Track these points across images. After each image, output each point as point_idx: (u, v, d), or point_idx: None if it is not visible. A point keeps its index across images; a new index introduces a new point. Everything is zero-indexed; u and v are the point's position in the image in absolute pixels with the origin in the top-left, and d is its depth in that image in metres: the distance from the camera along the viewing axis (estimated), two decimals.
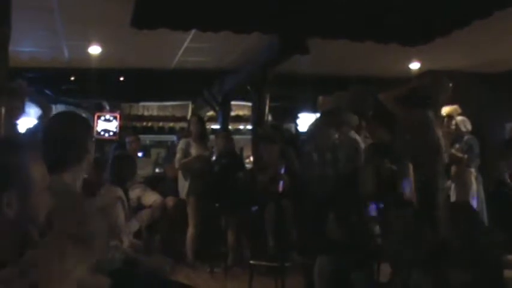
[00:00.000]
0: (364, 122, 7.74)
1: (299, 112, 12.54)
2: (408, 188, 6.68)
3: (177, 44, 8.34)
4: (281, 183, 6.44)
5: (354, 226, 5.02)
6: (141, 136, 9.88)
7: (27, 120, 6.37)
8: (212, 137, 8.64)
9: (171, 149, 9.84)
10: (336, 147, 5.94)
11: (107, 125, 11.72)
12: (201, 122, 7.93)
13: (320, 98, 8.93)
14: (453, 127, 7.76)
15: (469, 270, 3.63)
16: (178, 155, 7.46)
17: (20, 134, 4.91)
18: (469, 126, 7.89)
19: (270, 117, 10.33)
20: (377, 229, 5.72)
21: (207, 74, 10.46)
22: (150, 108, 13.98)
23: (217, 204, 7.54)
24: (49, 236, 1.65)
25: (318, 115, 7.95)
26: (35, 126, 5.31)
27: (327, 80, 10.16)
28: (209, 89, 11.20)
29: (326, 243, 5.05)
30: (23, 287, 1.44)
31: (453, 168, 7.67)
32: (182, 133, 10.09)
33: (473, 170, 7.62)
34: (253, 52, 8.33)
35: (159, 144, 14.14)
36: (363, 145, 6.32)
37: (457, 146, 7.74)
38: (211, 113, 12.05)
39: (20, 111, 5.00)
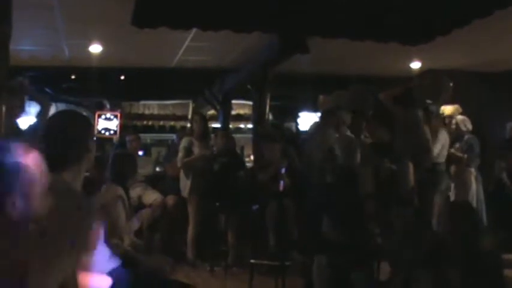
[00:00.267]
0: (364, 121, 7.76)
1: (299, 111, 12.55)
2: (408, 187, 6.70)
3: (177, 43, 8.34)
4: (282, 182, 6.44)
5: (353, 225, 5.01)
6: (142, 135, 9.89)
7: (27, 119, 6.37)
8: (212, 135, 8.64)
9: (171, 147, 9.84)
10: (335, 146, 5.95)
11: (107, 123, 11.74)
12: (204, 120, 7.94)
13: (320, 97, 8.95)
14: (453, 126, 7.76)
15: (468, 269, 3.63)
16: (180, 154, 7.46)
17: (20, 132, 4.92)
18: (469, 126, 7.89)
19: (270, 116, 10.35)
20: (377, 228, 5.73)
21: (208, 73, 10.46)
22: (151, 107, 14.01)
23: (217, 203, 7.55)
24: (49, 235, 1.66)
25: (318, 114, 7.97)
26: (34, 124, 5.32)
27: (327, 80, 10.17)
28: (210, 88, 11.20)
29: (323, 243, 5.06)
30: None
31: (453, 168, 7.67)
32: (183, 132, 10.11)
33: (473, 169, 7.62)
34: (253, 51, 8.33)
35: (159, 143, 14.15)
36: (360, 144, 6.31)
37: (457, 145, 7.74)
38: (212, 111, 12.06)
39: (20, 110, 5.01)
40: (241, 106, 13.23)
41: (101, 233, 3.30)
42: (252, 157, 9.97)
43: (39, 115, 5.38)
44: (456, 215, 3.93)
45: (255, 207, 7.22)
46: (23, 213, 1.58)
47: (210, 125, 8.92)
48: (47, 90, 10.66)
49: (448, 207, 4.26)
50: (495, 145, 8.91)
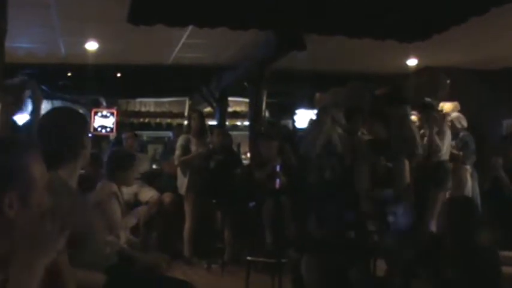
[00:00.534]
0: (361, 118, 7.76)
1: (296, 108, 12.54)
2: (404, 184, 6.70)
3: (174, 40, 8.33)
4: (278, 179, 6.44)
5: (350, 223, 5.02)
6: (138, 132, 9.88)
7: (23, 116, 6.35)
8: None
9: (168, 145, 9.83)
10: (331, 143, 5.96)
11: (103, 121, 11.73)
12: (202, 118, 7.94)
13: (317, 95, 8.95)
14: (448, 124, 7.76)
15: (466, 266, 3.63)
16: (178, 152, 7.45)
17: (16, 130, 4.90)
18: (464, 123, 7.90)
19: (267, 114, 10.34)
20: (373, 226, 5.73)
21: (204, 70, 10.45)
22: (147, 104, 14.00)
23: (214, 201, 7.54)
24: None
25: (315, 112, 7.97)
26: (27, 122, 5.29)
27: (323, 77, 10.16)
28: (206, 85, 11.18)
29: (314, 240, 5.07)
30: None
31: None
32: (179, 129, 10.09)
33: (468, 166, 7.62)
34: (250, 48, 8.32)
35: (156, 140, 14.13)
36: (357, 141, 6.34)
37: (452, 142, 7.74)
38: (208, 109, 12.04)
39: (16, 108, 4.99)
40: (237, 103, 13.22)
41: (97, 229, 3.28)
42: (248, 154, 9.97)
43: (32, 113, 5.36)
44: (456, 209, 3.93)
45: (251, 204, 7.21)
46: (22, 213, 1.57)
47: (207, 122, 8.91)
48: (43, 87, 10.64)
49: (448, 202, 4.26)
50: (492, 142, 8.93)
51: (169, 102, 13.95)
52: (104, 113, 11.90)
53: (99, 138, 11.07)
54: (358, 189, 6.46)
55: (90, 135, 3.37)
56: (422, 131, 8.19)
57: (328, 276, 4.67)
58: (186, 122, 11.92)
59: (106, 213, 4.05)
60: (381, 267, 5.28)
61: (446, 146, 7.02)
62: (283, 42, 7.13)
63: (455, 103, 8.07)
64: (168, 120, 14.07)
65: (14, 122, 5.03)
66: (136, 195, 7.61)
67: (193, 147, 7.45)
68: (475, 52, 8.98)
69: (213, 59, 9.74)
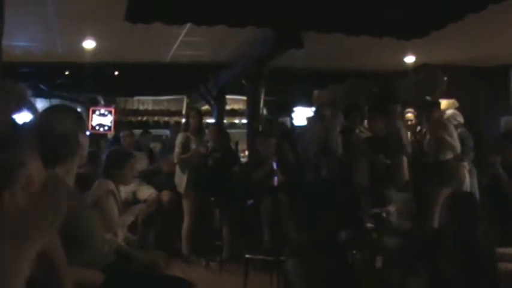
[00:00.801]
0: (359, 115, 7.77)
1: (294, 106, 12.54)
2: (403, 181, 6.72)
3: (171, 38, 8.32)
4: (276, 177, 6.44)
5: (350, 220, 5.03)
6: (136, 130, 9.86)
7: (23, 115, 6.35)
8: (207, 131, 8.64)
9: (166, 143, 9.82)
10: (328, 142, 5.98)
11: (101, 119, 11.69)
12: (201, 116, 7.95)
13: (315, 92, 8.96)
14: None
15: (463, 262, 3.64)
16: (177, 150, 7.44)
17: (15, 128, 4.89)
18: (460, 119, 7.90)
19: (265, 111, 10.34)
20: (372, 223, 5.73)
21: (202, 68, 10.44)
22: (145, 102, 13.99)
23: (212, 199, 7.55)
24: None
25: (313, 109, 7.98)
26: (28, 122, 5.28)
27: (321, 74, 10.17)
28: (204, 83, 11.18)
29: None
30: None
31: None
32: (177, 127, 10.09)
33: (466, 163, 7.62)
34: (248, 46, 8.31)
35: (154, 138, 14.11)
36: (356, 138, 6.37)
37: None
38: (206, 107, 12.04)
39: (16, 107, 4.98)
40: (235, 101, 13.21)
41: (94, 227, 3.29)
42: (246, 152, 9.97)
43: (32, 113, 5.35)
44: (457, 204, 3.95)
45: (249, 202, 7.21)
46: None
47: (204, 120, 8.91)
48: (41, 86, 10.62)
49: (449, 197, 4.27)
50: (490, 139, 8.93)
51: (167, 101, 13.95)
52: (102, 111, 11.87)
53: (98, 137, 11.05)
54: (357, 186, 6.48)
55: (88, 133, 3.37)
56: (419, 128, 8.23)
57: (315, 280, 4.66)
58: (183, 120, 11.91)
59: (103, 211, 4.05)
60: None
61: (457, 143, 7.08)
62: (281, 40, 7.13)
63: (453, 100, 8.08)
64: (166, 119, 14.06)
65: (14, 121, 5.02)
66: (134, 193, 7.61)
67: (192, 145, 7.46)
68: (473, 49, 8.98)
69: (210, 57, 9.73)
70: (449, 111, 7.88)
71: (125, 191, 4.94)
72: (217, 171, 7.48)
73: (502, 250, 4.11)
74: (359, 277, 4.89)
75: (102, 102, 12.42)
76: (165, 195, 7.74)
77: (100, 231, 3.43)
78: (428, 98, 8.12)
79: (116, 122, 11.72)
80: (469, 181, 7.58)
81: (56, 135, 2.40)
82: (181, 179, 7.48)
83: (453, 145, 7.03)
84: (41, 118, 2.76)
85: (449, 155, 7.07)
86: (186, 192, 7.41)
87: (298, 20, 6.48)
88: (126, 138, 8.32)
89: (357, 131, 7.74)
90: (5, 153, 1.59)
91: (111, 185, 4.31)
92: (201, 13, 6.14)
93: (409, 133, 8.35)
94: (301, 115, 11.91)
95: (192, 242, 7.45)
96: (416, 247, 4.16)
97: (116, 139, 9.19)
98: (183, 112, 13.23)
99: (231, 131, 10.38)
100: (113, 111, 11.86)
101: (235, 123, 13.95)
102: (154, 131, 14.06)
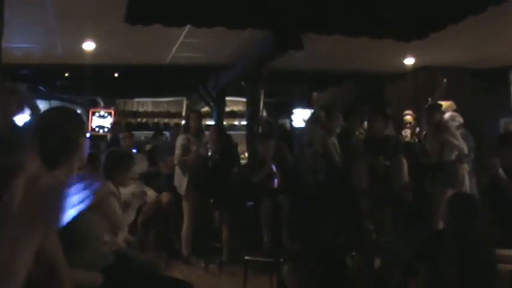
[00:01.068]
0: (358, 117, 7.78)
1: (294, 108, 12.55)
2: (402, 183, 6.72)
3: (171, 39, 8.32)
4: (276, 179, 6.45)
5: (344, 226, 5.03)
6: (136, 132, 9.87)
7: (24, 117, 6.36)
8: (206, 132, 8.64)
9: (165, 145, 9.81)
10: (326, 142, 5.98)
11: (101, 121, 11.72)
12: (201, 117, 7.96)
13: (315, 94, 8.95)
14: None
15: (463, 263, 3.64)
16: (178, 151, 7.43)
17: (15, 130, 4.89)
18: (460, 119, 7.89)
19: (264, 113, 10.33)
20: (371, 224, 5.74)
21: (202, 69, 10.44)
22: (145, 104, 14.00)
23: (212, 200, 7.54)
24: None
25: (312, 111, 7.98)
26: (28, 123, 5.28)
27: (321, 76, 10.17)
28: (204, 84, 11.18)
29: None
30: None
31: None
32: (177, 129, 10.09)
33: (466, 165, 7.61)
34: (247, 48, 8.32)
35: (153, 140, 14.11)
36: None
37: None
38: (206, 108, 12.04)
39: (16, 109, 4.98)
40: (235, 103, 13.21)
41: (94, 229, 3.29)
42: (246, 154, 9.96)
43: (32, 115, 5.35)
44: (457, 204, 3.95)
45: (249, 204, 7.21)
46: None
47: (204, 122, 8.92)
48: (41, 87, 10.63)
49: (450, 198, 4.27)
50: (489, 141, 8.93)
51: (167, 102, 13.96)
52: (102, 113, 11.89)
53: (98, 139, 11.06)
54: (357, 188, 6.48)
55: (88, 135, 3.37)
56: (418, 130, 8.24)
57: (312, 283, 4.66)
58: (183, 122, 11.92)
59: (107, 213, 4.05)
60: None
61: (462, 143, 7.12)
62: (281, 41, 7.13)
63: (450, 102, 8.08)
64: (166, 120, 14.06)
65: (14, 123, 5.02)
66: (133, 195, 7.59)
67: (193, 147, 7.45)
68: (472, 51, 8.98)
69: (210, 59, 9.73)
70: (447, 115, 7.88)
71: (124, 192, 4.92)
72: (217, 173, 7.48)
73: (502, 252, 4.11)
74: (357, 279, 4.89)
75: (101, 104, 12.44)
76: (165, 197, 7.74)
77: (100, 232, 3.44)
78: (428, 100, 8.13)
79: (116, 123, 11.73)
80: (468, 182, 7.57)
81: (56, 137, 2.40)
82: (181, 181, 7.47)
83: (459, 146, 7.05)
84: (41, 119, 2.75)
85: (453, 156, 7.08)
86: (186, 194, 7.40)
87: (298, 21, 6.48)
88: (126, 139, 8.32)
89: (357, 132, 7.75)
90: (6, 155, 1.59)
91: (112, 187, 4.31)
92: (201, 15, 6.15)
93: (409, 134, 8.37)
94: (300, 117, 11.92)
95: (191, 243, 7.44)
96: (417, 247, 4.17)
97: (114, 140, 9.18)
98: (183, 114, 13.24)
99: (231, 132, 10.38)
100: (112, 112, 11.87)
101: (234, 125, 13.95)
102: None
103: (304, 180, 6.98)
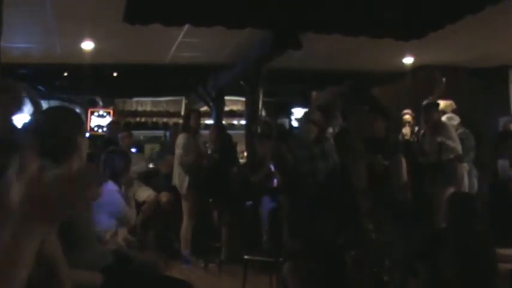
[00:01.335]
0: (357, 117, 7.77)
1: (293, 107, 12.55)
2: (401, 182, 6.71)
3: (170, 39, 8.32)
4: (275, 179, 6.45)
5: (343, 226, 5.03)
6: (135, 132, 9.86)
7: (23, 117, 6.35)
8: (206, 132, 8.64)
9: (165, 144, 9.81)
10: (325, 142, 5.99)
11: (100, 120, 11.71)
12: (200, 117, 7.97)
13: (313, 93, 8.95)
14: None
15: (463, 262, 3.65)
16: (179, 151, 7.41)
17: (15, 130, 4.89)
18: (457, 119, 7.88)
19: (263, 112, 10.33)
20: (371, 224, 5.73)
21: (201, 69, 10.44)
22: (144, 103, 13.99)
23: (211, 200, 7.54)
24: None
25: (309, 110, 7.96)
26: (28, 123, 5.27)
27: (320, 75, 10.16)
28: (203, 84, 11.18)
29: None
30: None
31: None
32: (176, 129, 10.08)
33: (465, 164, 7.61)
34: (246, 47, 8.32)
35: (152, 139, 14.11)
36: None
37: None
38: (205, 108, 12.04)
39: (15, 109, 4.98)
40: (234, 102, 13.21)
41: (93, 229, 3.29)
42: (245, 153, 9.97)
43: (33, 114, 5.36)
44: (456, 204, 3.95)
45: (248, 203, 7.21)
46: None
47: (202, 122, 8.93)
48: (40, 87, 10.62)
49: (450, 197, 4.28)
50: (489, 140, 8.93)
51: (166, 102, 13.95)
52: (101, 112, 11.88)
53: (96, 138, 11.04)
54: (356, 188, 6.47)
55: (87, 135, 3.37)
56: (417, 129, 8.23)
57: (312, 282, 4.66)
58: (181, 121, 11.91)
59: (112, 211, 4.07)
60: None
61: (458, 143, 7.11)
62: (280, 41, 7.13)
63: (450, 102, 8.07)
64: (165, 120, 14.06)
65: (13, 123, 5.02)
66: (133, 194, 7.60)
67: (193, 146, 7.44)
68: (471, 50, 8.99)
69: (209, 58, 9.73)
70: (444, 117, 7.87)
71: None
72: (216, 172, 7.47)
73: (502, 251, 4.11)
74: (357, 278, 4.89)
75: (100, 103, 12.42)
76: (164, 197, 7.73)
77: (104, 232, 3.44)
78: (427, 99, 8.12)
79: (113, 123, 11.72)
80: (467, 182, 7.57)
81: (56, 136, 2.39)
82: (182, 181, 7.45)
83: (453, 147, 7.04)
84: (41, 119, 2.75)
85: (451, 155, 7.07)
86: (187, 193, 7.39)
87: (296, 20, 6.48)
88: (125, 139, 8.31)
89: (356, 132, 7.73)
90: (5, 155, 1.59)
91: (113, 185, 4.32)
92: (200, 14, 6.15)
93: (409, 133, 8.36)
94: (299, 116, 11.92)
95: (191, 243, 7.44)
96: (417, 247, 4.17)
97: (110, 139, 9.16)
98: (182, 113, 13.23)
99: (230, 132, 10.38)
100: (111, 112, 11.86)
101: (233, 125, 13.95)
102: (153, 133, 14.10)
103: (304, 180, 6.97)
